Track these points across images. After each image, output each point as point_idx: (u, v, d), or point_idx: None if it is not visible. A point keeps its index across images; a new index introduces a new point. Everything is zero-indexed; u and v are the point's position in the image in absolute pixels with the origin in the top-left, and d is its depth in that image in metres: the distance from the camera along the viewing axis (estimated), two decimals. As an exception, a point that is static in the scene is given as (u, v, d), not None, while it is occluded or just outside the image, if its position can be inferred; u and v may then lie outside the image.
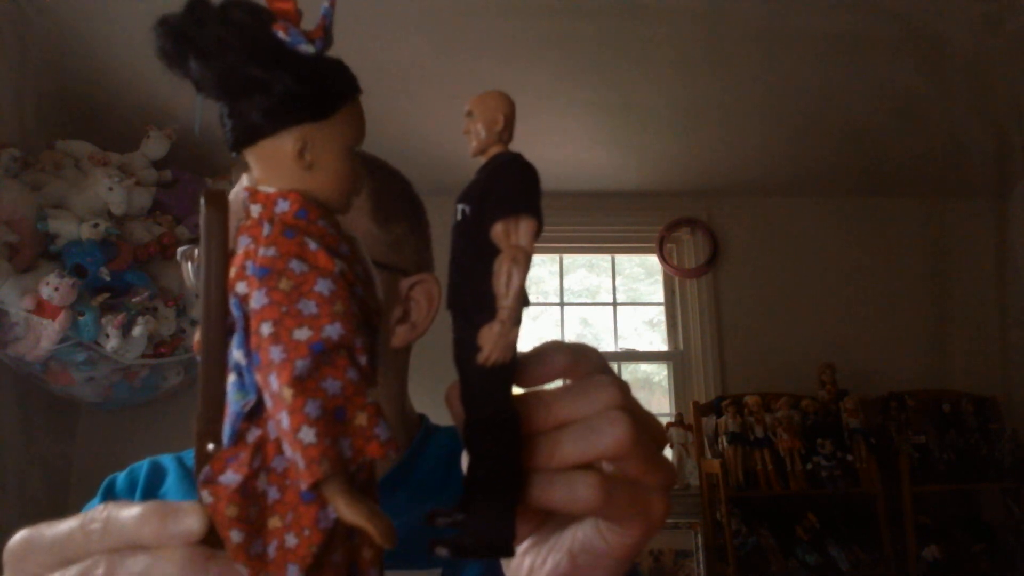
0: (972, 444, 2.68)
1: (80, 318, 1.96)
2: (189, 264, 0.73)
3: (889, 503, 2.55)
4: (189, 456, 0.77)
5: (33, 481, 2.32)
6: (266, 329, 0.26)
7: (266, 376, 0.26)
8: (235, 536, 0.27)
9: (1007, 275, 3.06)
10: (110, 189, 2.09)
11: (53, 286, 1.89)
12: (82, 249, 2.02)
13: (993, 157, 2.92)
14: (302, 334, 0.26)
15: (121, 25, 2.16)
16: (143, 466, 0.77)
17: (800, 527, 2.57)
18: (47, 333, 1.93)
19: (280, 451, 0.27)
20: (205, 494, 0.27)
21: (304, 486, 0.26)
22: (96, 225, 2.02)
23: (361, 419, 0.27)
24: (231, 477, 0.27)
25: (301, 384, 0.26)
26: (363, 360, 0.27)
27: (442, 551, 0.31)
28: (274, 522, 0.27)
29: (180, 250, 0.73)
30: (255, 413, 0.27)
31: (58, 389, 2.21)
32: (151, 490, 0.74)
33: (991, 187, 3.10)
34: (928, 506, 2.64)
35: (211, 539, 0.28)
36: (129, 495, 0.74)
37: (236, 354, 0.27)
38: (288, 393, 0.25)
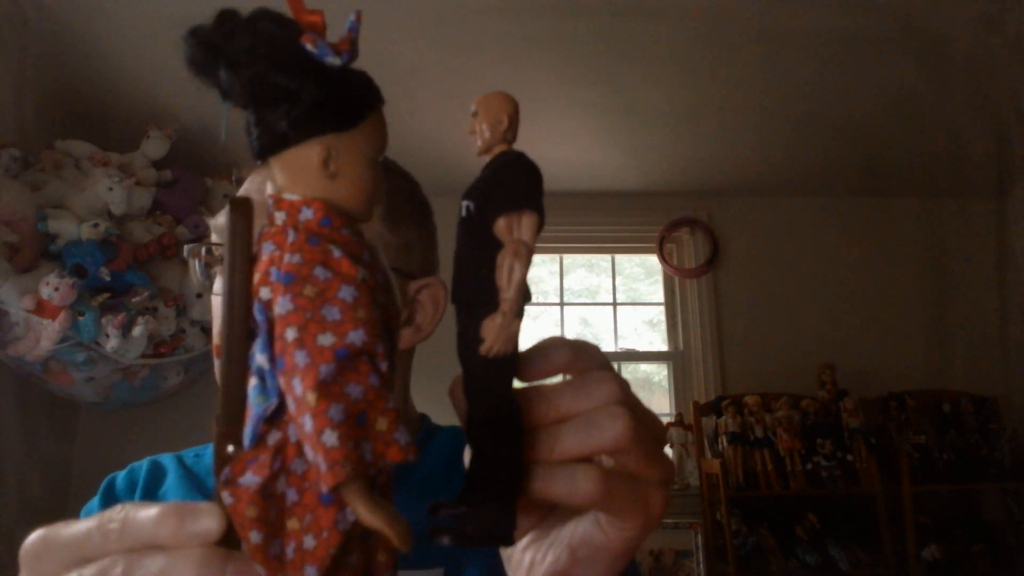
0: (972, 444, 2.68)
1: (80, 318, 1.96)
2: (196, 262, 0.72)
3: (889, 503, 2.55)
4: (189, 455, 0.78)
5: (33, 481, 2.32)
6: (291, 334, 0.26)
7: (290, 380, 0.26)
8: (254, 537, 0.27)
9: (1007, 275, 3.06)
10: (110, 189, 2.09)
11: (53, 286, 1.89)
12: (82, 249, 2.02)
13: (993, 157, 2.92)
14: (326, 340, 0.26)
15: (121, 25, 2.16)
16: (143, 466, 0.77)
17: (800, 527, 2.58)
18: (47, 333, 1.93)
19: (300, 454, 0.28)
20: (226, 495, 0.28)
21: (325, 488, 0.26)
22: (96, 225, 2.02)
23: (382, 424, 0.27)
24: (251, 479, 0.27)
25: (325, 388, 0.26)
26: (384, 366, 0.28)
27: (443, 539, 0.31)
28: (292, 524, 0.28)
29: (187, 247, 0.72)
30: (276, 416, 0.28)
31: (58, 389, 2.21)
32: (151, 490, 0.74)
33: (991, 187, 3.11)
34: (928, 506, 2.64)
35: (228, 540, 0.28)
36: (129, 495, 0.74)
37: (259, 358, 0.28)
38: (312, 397, 0.26)
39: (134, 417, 2.53)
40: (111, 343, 2.00)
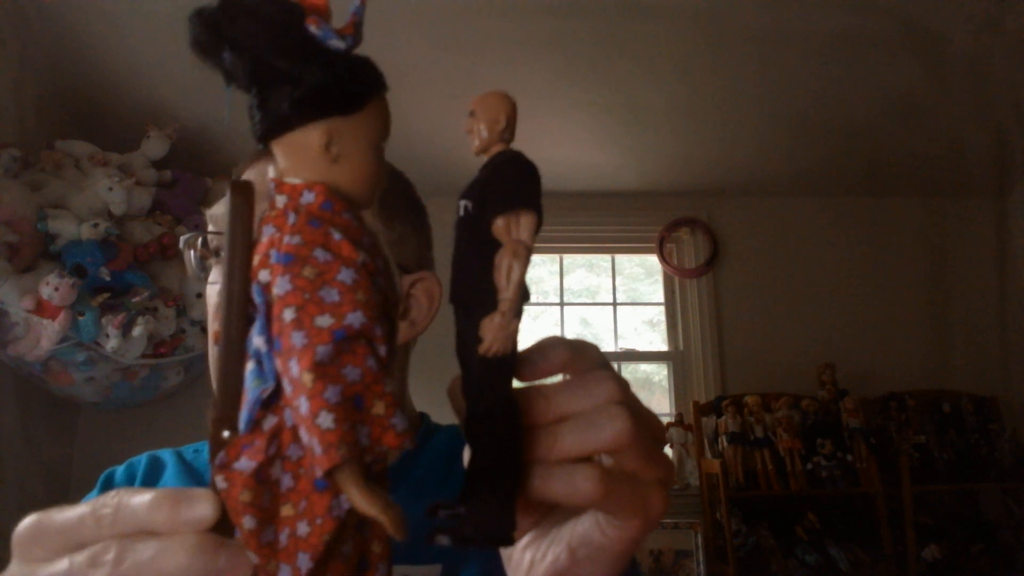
0: (972, 444, 2.68)
1: (80, 318, 1.96)
2: (191, 252, 0.73)
3: (889, 503, 2.55)
4: (188, 451, 0.78)
5: (33, 481, 2.32)
6: (289, 315, 0.26)
7: (287, 361, 0.26)
8: (248, 522, 0.27)
9: (1007, 275, 3.06)
10: (110, 189, 2.09)
11: (53, 286, 1.89)
12: (82, 249, 2.02)
13: (993, 157, 2.92)
14: (324, 321, 0.26)
15: (121, 25, 2.16)
16: (142, 460, 0.77)
17: (800, 527, 2.57)
18: (47, 333, 1.93)
19: (295, 439, 0.27)
20: (220, 479, 0.27)
21: (320, 472, 0.26)
22: (96, 225, 2.02)
23: (379, 408, 0.27)
24: (246, 463, 0.27)
25: (322, 370, 0.26)
26: (382, 350, 0.27)
27: (442, 539, 0.31)
28: (287, 510, 0.27)
29: (183, 238, 0.73)
30: (272, 401, 0.28)
31: (58, 389, 2.21)
32: (149, 483, 0.74)
33: (991, 187, 3.11)
34: (928, 506, 2.64)
35: (221, 527, 0.28)
36: None
37: (257, 341, 0.28)
38: (308, 378, 0.26)
39: (134, 417, 2.53)
40: (111, 343, 2.00)
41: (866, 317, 3.00)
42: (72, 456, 2.57)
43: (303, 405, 0.26)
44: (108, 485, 0.75)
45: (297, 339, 0.26)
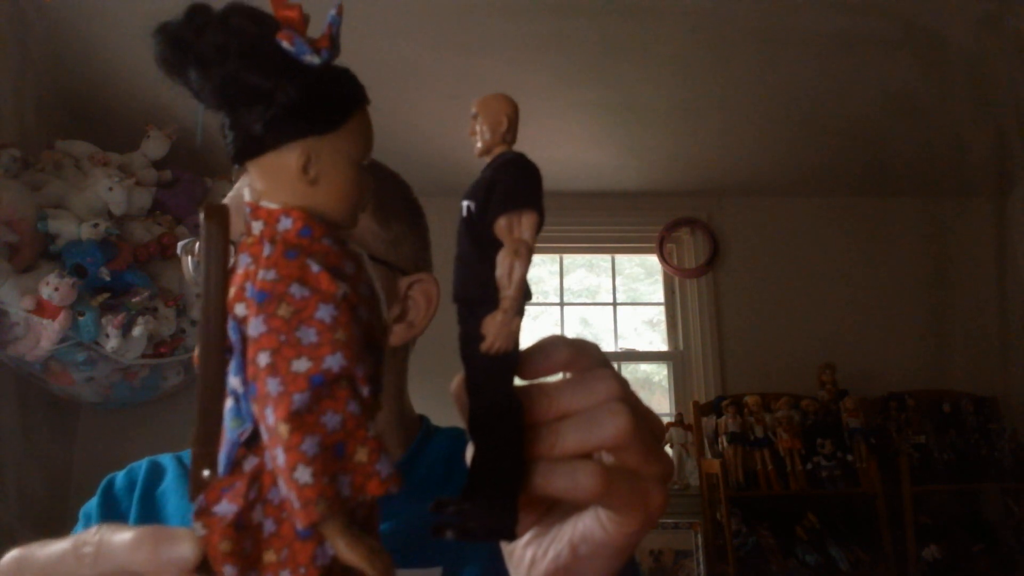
0: (972, 444, 2.68)
1: (80, 318, 1.96)
2: (189, 258, 0.72)
3: (889, 503, 2.55)
4: (188, 455, 0.78)
5: (33, 481, 2.32)
6: (263, 359, 0.25)
7: (262, 408, 0.25)
8: (228, 572, 0.26)
9: (1007, 275, 3.06)
10: (110, 189, 2.09)
11: (53, 286, 1.89)
12: (82, 249, 2.02)
13: (993, 157, 2.92)
14: (301, 365, 0.25)
15: (121, 25, 2.16)
16: (142, 466, 0.77)
17: (800, 527, 2.57)
18: (47, 333, 1.93)
19: (277, 482, 0.26)
20: (198, 526, 0.26)
21: (300, 526, 0.25)
22: (96, 225, 2.02)
23: (362, 455, 0.25)
24: (226, 508, 0.26)
25: (299, 419, 0.24)
26: (365, 390, 0.26)
27: (447, 534, 0.32)
28: (269, 557, 0.26)
29: (180, 244, 0.72)
30: (252, 441, 0.26)
31: (58, 389, 2.21)
32: (149, 489, 0.74)
33: (991, 187, 3.11)
34: (928, 506, 2.64)
35: (206, 566, 0.27)
36: (128, 494, 0.74)
37: (233, 381, 0.26)
38: (284, 429, 0.24)
39: (134, 417, 2.53)
40: (111, 343, 2.00)
41: (866, 317, 3.00)
42: (72, 456, 2.57)
43: (280, 457, 0.25)
44: (108, 492, 0.75)
45: (272, 386, 0.25)
